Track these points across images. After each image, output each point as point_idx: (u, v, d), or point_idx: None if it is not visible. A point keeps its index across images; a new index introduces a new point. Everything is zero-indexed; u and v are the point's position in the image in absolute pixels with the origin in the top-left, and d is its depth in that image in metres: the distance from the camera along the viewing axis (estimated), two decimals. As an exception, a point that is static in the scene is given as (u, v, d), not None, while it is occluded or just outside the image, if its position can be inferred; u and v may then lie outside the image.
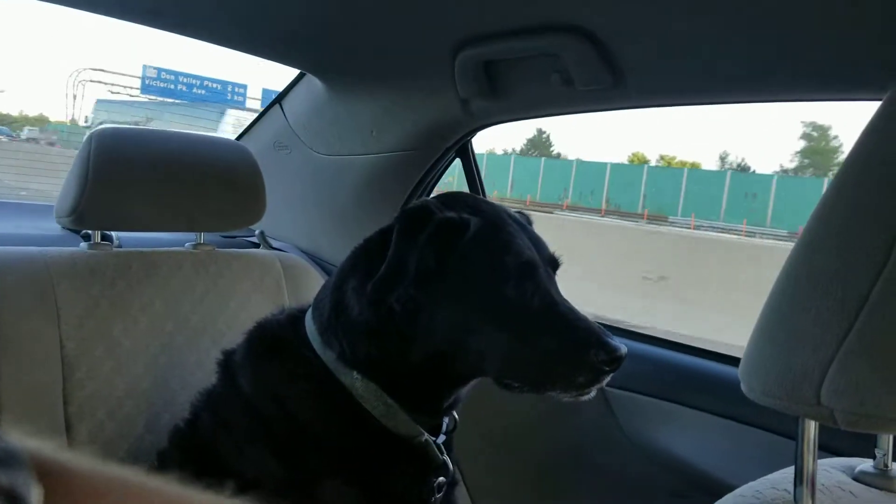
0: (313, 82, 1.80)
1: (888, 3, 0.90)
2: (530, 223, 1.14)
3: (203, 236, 1.56)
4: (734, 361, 1.39)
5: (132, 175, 1.36)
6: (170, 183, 1.41)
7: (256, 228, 1.86)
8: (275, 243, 1.89)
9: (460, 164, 1.81)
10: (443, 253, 0.98)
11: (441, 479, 1.07)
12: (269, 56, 1.70)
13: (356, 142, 1.81)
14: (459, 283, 0.98)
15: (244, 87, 22.85)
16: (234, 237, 1.89)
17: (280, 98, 1.95)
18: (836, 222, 0.49)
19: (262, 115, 2.03)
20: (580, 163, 27.53)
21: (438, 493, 1.07)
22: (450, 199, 1.08)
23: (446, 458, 1.07)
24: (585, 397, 0.97)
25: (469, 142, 1.76)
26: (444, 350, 0.99)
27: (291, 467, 1.00)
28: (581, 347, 0.93)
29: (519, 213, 1.14)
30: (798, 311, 0.49)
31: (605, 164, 25.88)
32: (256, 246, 1.85)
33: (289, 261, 1.66)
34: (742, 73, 1.20)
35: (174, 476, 0.27)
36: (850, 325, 0.45)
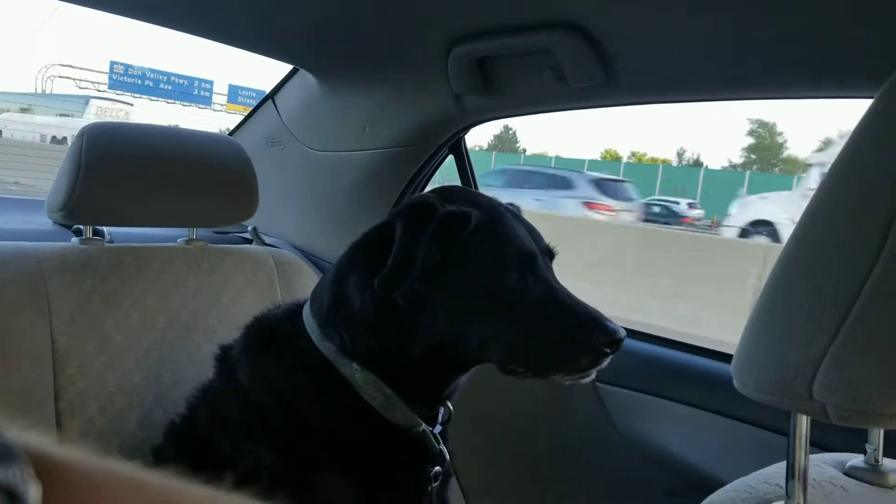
0: (306, 78, 1.79)
1: (885, 2, 0.90)
2: (520, 213, 1.15)
3: (195, 232, 1.55)
4: (726, 357, 1.40)
5: (124, 170, 1.35)
6: (162, 178, 1.40)
7: (249, 224, 1.85)
8: (268, 239, 1.89)
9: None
10: (446, 246, 0.99)
11: (437, 468, 1.08)
12: (264, 52, 1.70)
13: (349, 138, 1.80)
14: (463, 276, 0.99)
15: (210, 83, 23.04)
16: (227, 233, 1.88)
17: (273, 94, 1.94)
18: (829, 218, 0.49)
19: (254, 110, 2.03)
20: (527, 157, 28.72)
21: (434, 482, 1.08)
22: (448, 192, 1.09)
23: (443, 447, 1.08)
24: (586, 380, 1.01)
25: (462, 138, 1.76)
26: (448, 341, 1.00)
27: (290, 460, 1.00)
28: (583, 331, 0.96)
29: (510, 204, 1.15)
30: (791, 307, 0.49)
31: (550, 157, 26.69)
32: (249, 242, 1.84)
33: (281, 257, 1.66)
34: (737, 71, 1.20)
35: (171, 471, 0.27)
36: (842, 321, 0.45)
